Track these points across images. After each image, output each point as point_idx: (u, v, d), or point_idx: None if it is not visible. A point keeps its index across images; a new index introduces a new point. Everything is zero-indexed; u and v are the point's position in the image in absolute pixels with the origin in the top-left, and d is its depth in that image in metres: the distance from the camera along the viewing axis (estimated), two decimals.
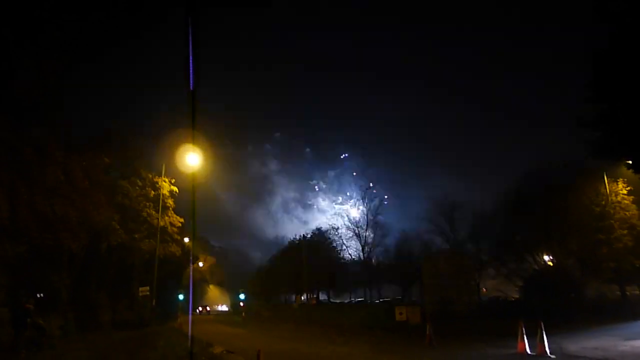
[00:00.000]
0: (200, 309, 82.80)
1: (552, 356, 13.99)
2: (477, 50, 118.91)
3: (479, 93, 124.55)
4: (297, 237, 69.82)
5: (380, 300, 58.66)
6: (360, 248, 64.98)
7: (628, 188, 31.77)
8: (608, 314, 25.89)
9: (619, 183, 32.22)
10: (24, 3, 17.94)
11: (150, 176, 33.53)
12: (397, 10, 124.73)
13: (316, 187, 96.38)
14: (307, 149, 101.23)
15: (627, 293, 36.32)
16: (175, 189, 34.66)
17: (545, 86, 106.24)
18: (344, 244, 68.02)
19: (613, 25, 16.21)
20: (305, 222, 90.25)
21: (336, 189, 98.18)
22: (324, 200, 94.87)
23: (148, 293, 34.69)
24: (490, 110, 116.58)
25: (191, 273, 35.66)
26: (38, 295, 28.79)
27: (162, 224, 33.69)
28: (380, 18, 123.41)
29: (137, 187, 32.53)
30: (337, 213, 75.24)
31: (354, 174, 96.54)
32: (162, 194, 33.58)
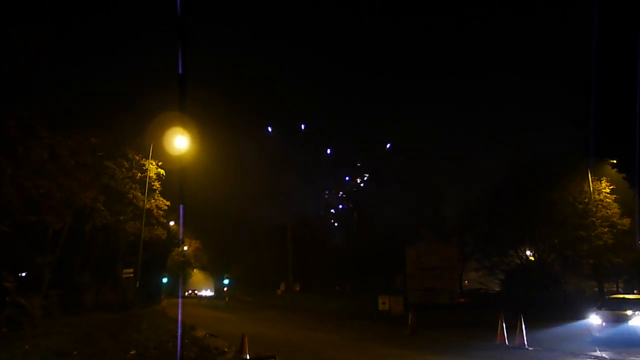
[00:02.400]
0: (190, 291, 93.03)
1: (530, 348, 14.31)
2: (466, 45, 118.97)
3: (466, 87, 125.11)
4: (283, 223, 69.94)
5: (364, 289, 59.22)
6: (346, 237, 65.42)
7: (611, 187, 32.29)
8: (586, 309, 26.45)
9: (602, 181, 32.73)
10: None
11: (138, 158, 33.16)
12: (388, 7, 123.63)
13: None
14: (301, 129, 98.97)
15: (605, 289, 37.13)
16: (162, 171, 34.31)
17: (535, 83, 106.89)
18: (329, 232, 68.44)
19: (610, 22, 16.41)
20: (285, 206, 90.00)
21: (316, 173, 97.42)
22: (301, 183, 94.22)
23: (132, 275, 34.54)
24: (477, 104, 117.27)
25: (183, 255, 35.52)
26: (21, 275, 28.53)
27: (148, 206, 33.41)
28: (371, 16, 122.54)
29: (123, 169, 32.15)
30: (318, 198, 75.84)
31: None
32: (149, 177, 33.28)
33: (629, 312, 16.04)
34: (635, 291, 31.32)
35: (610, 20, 17.34)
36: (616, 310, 16.63)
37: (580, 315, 19.03)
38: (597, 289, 36.97)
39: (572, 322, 19.83)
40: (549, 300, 29.94)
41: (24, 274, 29.42)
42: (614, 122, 17.39)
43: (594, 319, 16.81)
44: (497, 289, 42.11)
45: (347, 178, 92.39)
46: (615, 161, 22.24)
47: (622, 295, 21.11)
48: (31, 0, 17.88)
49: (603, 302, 18.83)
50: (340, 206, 72.83)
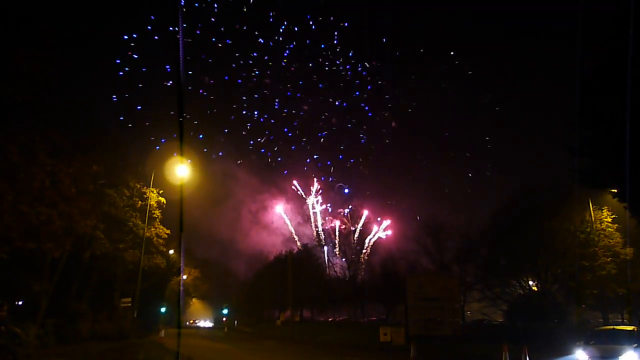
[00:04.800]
0: (191, 321, 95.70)
1: None
2: (468, 69, 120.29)
3: (467, 114, 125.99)
4: (283, 253, 69.55)
5: (364, 319, 58.34)
6: (346, 266, 64.90)
7: (612, 216, 32.18)
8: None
9: (603, 211, 32.63)
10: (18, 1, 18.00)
11: (139, 186, 33.25)
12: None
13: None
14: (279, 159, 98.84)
15: (610, 320, 36.55)
16: (163, 200, 34.36)
17: (535, 112, 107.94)
18: (329, 261, 67.91)
19: (602, 52, 16.71)
20: (279, 232, 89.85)
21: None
22: (287, 205, 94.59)
23: (130, 304, 34.09)
24: (480, 133, 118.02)
25: (181, 285, 35.15)
26: (18, 302, 28.20)
27: (147, 234, 33.27)
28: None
29: (124, 197, 32.19)
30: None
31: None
32: (150, 205, 33.25)
33: (618, 347, 14.47)
34: None
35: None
36: (605, 345, 14.98)
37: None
38: (601, 320, 36.40)
39: (565, 355, 18.35)
40: (553, 332, 29.42)
41: (20, 302, 29.09)
42: (615, 151, 17.45)
43: (580, 355, 15.02)
44: (500, 320, 41.43)
45: (346, 190, 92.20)
46: (615, 190, 22.20)
47: (611, 327, 19.18)
48: (37, 24, 18.22)
49: (590, 335, 16.97)
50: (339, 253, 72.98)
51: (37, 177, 19.69)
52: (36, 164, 20.01)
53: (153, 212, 33.99)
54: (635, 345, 14.52)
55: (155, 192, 33.96)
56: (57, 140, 22.68)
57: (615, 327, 18.18)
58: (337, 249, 71.95)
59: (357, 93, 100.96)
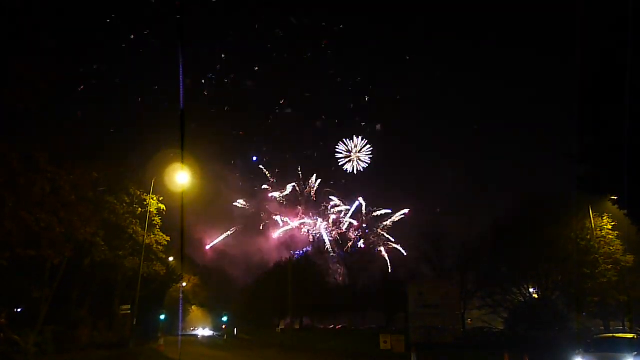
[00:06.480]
0: (192, 328, 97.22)
1: None
2: (467, 78, 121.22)
3: (471, 121, 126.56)
4: (283, 260, 69.48)
5: (365, 327, 58.08)
6: (346, 273, 64.82)
7: (613, 223, 32.09)
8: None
9: (604, 218, 32.57)
10: (20, 10, 18.13)
11: (139, 193, 33.21)
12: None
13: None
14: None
15: (611, 328, 36.36)
16: (163, 206, 34.29)
17: (535, 119, 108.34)
18: (329, 268, 67.80)
19: (601, 59, 16.78)
20: (274, 238, 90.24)
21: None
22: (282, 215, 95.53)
23: (129, 312, 33.97)
24: (481, 139, 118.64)
25: (181, 292, 35.03)
26: (17, 309, 28.10)
27: (147, 241, 33.19)
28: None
29: (124, 204, 32.14)
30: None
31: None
32: (150, 212, 33.19)
33: (618, 355, 14.34)
34: None
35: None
36: (604, 353, 14.83)
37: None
38: (602, 328, 36.25)
39: None
40: (554, 340, 29.28)
41: (19, 309, 29.00)
42: (614, 158, 17.48)
43: None
44: (501, 328, 41.23)
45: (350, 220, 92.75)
46: (615, 197, 22.21)
47: (611, 335, 19.05)
48: (40, 33, 18.40)
49: (590, 343, 16.71)
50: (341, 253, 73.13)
51: (37, 183, 19.73)
52: (37, 170, 20.06)
53: (153, 219, 33.93)
54: (635, 353, 14.38)
55: (155, 199, 33.92)
56: (58, 147, 22.74)
57: (615, 334, 18.01)
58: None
59: (351, 105, 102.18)
